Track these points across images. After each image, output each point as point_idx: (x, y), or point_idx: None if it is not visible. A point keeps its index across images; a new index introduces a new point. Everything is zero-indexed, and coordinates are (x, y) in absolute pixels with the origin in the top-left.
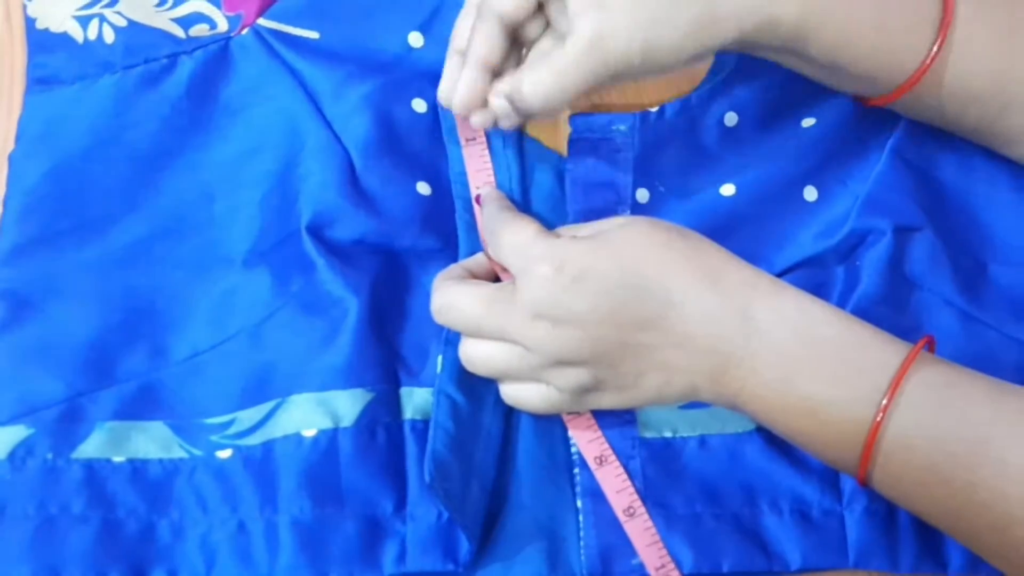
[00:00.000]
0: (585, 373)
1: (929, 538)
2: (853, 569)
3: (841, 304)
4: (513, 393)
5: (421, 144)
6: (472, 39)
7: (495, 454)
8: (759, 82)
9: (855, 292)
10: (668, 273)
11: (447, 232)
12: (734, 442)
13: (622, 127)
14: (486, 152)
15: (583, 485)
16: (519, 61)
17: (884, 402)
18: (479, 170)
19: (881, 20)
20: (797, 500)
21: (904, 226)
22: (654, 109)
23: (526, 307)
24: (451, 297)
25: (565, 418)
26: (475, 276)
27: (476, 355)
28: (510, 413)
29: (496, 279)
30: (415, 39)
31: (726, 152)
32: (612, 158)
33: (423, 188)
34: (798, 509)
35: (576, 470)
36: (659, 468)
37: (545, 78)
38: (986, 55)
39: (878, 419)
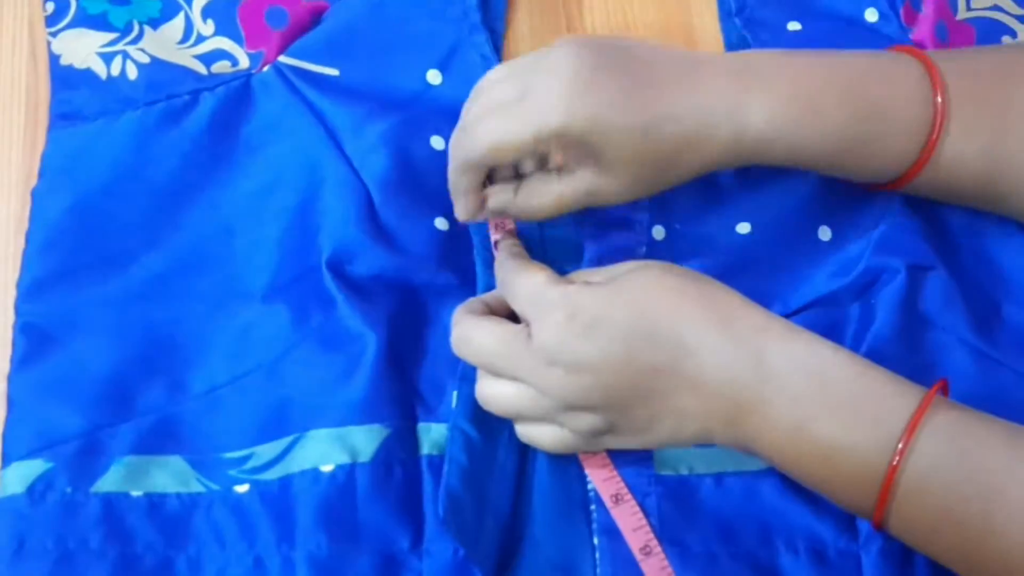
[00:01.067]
0: (598, 418)
1: None
2: None
3: (856, 342)
4: (527, 432)
5: (439, 180)
6: (461, 174)
7: (510, 490)
8: None
9: (869, 330)
10: (681, 319)
11: (465, 268)
12: (751, 480)
13: None
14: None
15: (599, 523)
16: None
17: (900, 447)
18: (498, 224)
19: (867, 149)
20: (813, 540)
21: (918, 265)
22: None
23: (540, 353)
24: (470, 332)
25: (580, 456)
26: (495, 311)
27: (491, 394)
28: (526, 449)
29: (515, 315)
30: (433, 76)
31: (741, 191)
32: None
33: (441, 224)
34: (814, 549)
35: (592, 507)
36: (675, 506)
37: (533, 207)
38: (966, 171)
39: (894, 464)
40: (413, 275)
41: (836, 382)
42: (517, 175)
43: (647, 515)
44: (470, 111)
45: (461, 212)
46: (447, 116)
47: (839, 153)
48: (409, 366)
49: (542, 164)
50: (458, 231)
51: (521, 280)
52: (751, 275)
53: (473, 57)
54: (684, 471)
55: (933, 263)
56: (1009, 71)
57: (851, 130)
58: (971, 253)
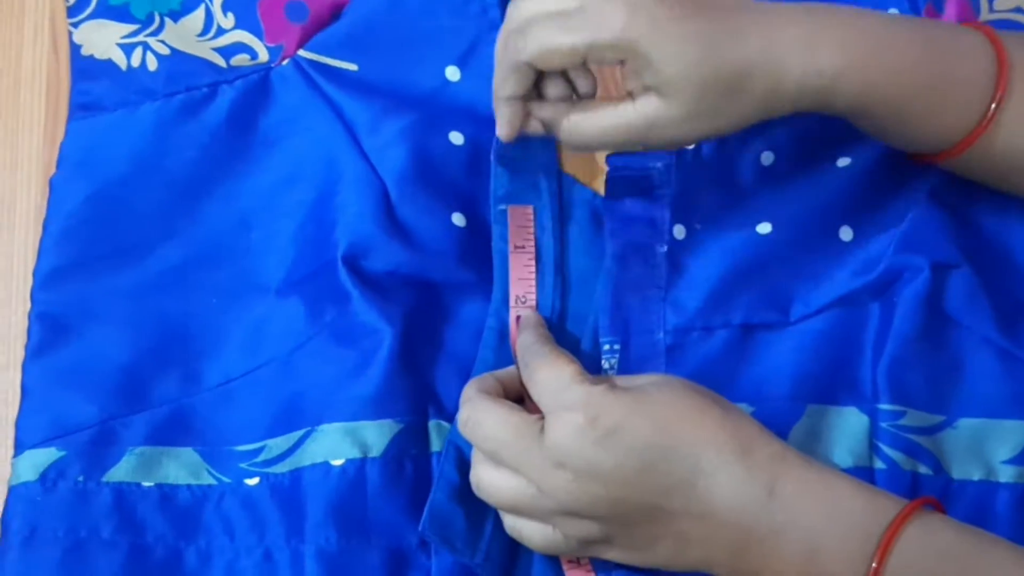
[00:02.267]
0: (596, 527)
1: None
2: None
3: (877, 342)
4: (515, 525)
5: (457, 176)
6: (505, 79)
7: None
8: (796, 121)
9: (892, 329)
10: (702, 440)
11: (482, 264)
12: None
13: (659, 165)
14: (532, 263)
15: None
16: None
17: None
18: (522, 279)
19: (934, 98)
20: None
21: (941, 263)
22: (691, 147)
23: (550, 452)
24: (479, 415)
25: (563, 562)
26: (507, 389)
27: (488, 482)
28: None
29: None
30: (452, 73)
31: (762, 191)
32: (649, 195)
33: (458, 220)
34: None
35: None
36: None
37: (586, 128)
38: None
39: None
40: (430, 271)
41: (849, 513)
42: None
43: None
44: (521, 8)
45: (503, 125)
46: (465, 112)
47: (906, 100)
48: (423, 363)
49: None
50: (475, 227)
51: (546, 371)
52: (771, 275)
53: (492, 54)
54: None
55: (958, 261)
56: None
57: (920, 75)
58: (997, 251)
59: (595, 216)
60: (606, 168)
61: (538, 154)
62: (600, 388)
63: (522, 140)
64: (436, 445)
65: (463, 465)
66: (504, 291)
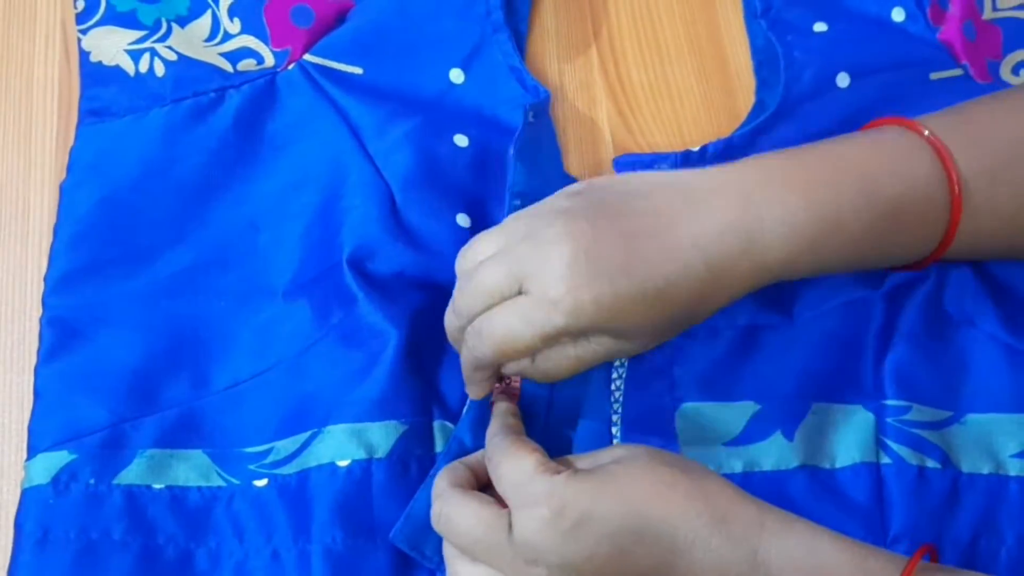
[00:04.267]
0: None
1: None
2: None
3: (883, 340)
4: None
5: (462, 178)
6: (473, 371)
7: None
8: (800, 123)
9: (896, 327)
10: (673, 516)
11: None
12: (778, 479)
13: (664, 166)
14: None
15: None
16: None
17: None
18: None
19: (890, 244)
20: None
21: (945, 263)
22: (696, 149)
23: (521, 549)
24: (450, 510)
25: None
26: (479, 477)
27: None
28: None
29: None
30: (456, 76)
31: None
32: None
33: (463, 220)
34: None
35: None
36: None
37: (555, 371)
38: (992, 242)
39: None
40: (435, 273)
41: (832, 573)
42: None
43: None
44: (468, 307)
45: (474, 393)
46: (470, 115)
47: (861, 256)
48: (428, 363)
49: None
50: (480, 228)
51: (508, 464)
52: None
53: (496, 56)
54: (711, 469)
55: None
56: (1012, 127)
57: (872, 234)
58: None
59: None
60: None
61: (550, 155)
62: (562, 477)
63: (536, 138)
64: (440, 445)
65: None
66: None
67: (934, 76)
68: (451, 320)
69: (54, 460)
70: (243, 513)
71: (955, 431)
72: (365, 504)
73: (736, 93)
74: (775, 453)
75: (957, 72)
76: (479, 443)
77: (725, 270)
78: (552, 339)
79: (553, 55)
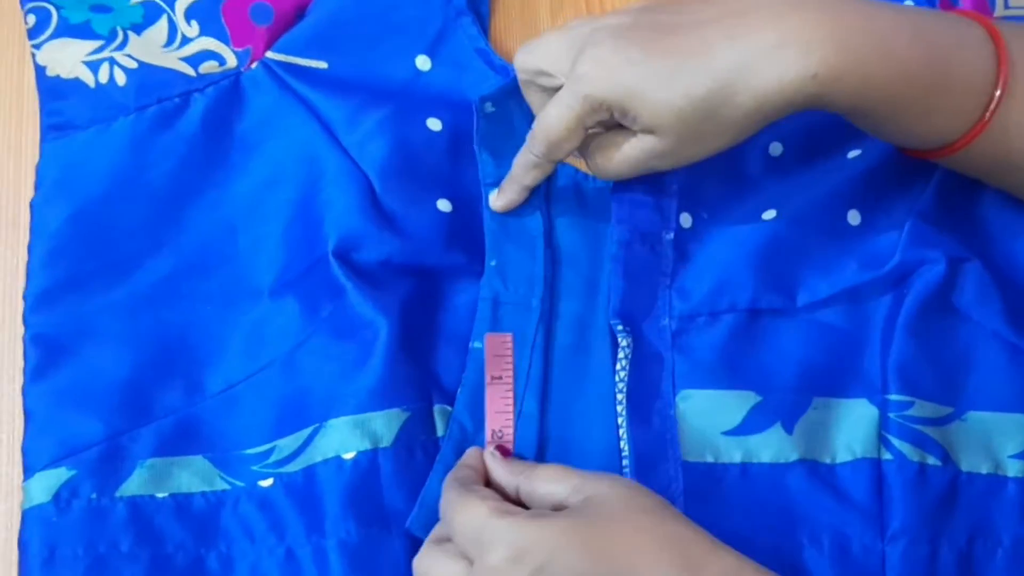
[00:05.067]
0: None
1: None
2: None
3: (887, 335)
4: None
5: (439, 162)
6: (527, 168)
7: None
8: (805, 112)
9: (899, 322)
10: (643, 563)
11: (472, 247)
12: (777, 472)
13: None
14: (510, 395)
15: None
16: None
17: None
18: (499, 412)
19: (933, 97)
20: (838, 534)
21: (955, 257)
22: None
23: None
24: (428, 567)
25: None
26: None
27: None
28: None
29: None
30: (423, 62)
31: (770, 181)
32: (657, 181)
33: (444, 205)
34: (839, 543)
35: (624, 462)
36: (700, 493)
37: (604, 167)
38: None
39: None
40: (421, 258)
41: None
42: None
43: (672, 502)
44: (523, 75)
45: (502, 202)
46: (440, 99)
47: (904, 101)
48: (423, 348)
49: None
50: (462, 211)
51: (460, 515)
52: (778, 259)
53: (461, 40)
54: (709, 458)
55: (969, 254)
56: None
57: (921, 74)
58: (1003, 246)
59: (578, 190)
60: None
61: (519, 136)
62: (523, 518)
63: (504, 123)
64: (441, 430)
65: (464, 446)
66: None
67: None
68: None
69: (53, 478)
70: (251, 514)
71: (956, 428)
72: (375, 494)
73: None
74: (774, 445)
75: None
76: (478, 423)
77: (756, 67)
78: (581, 117)
79: (518, 35)
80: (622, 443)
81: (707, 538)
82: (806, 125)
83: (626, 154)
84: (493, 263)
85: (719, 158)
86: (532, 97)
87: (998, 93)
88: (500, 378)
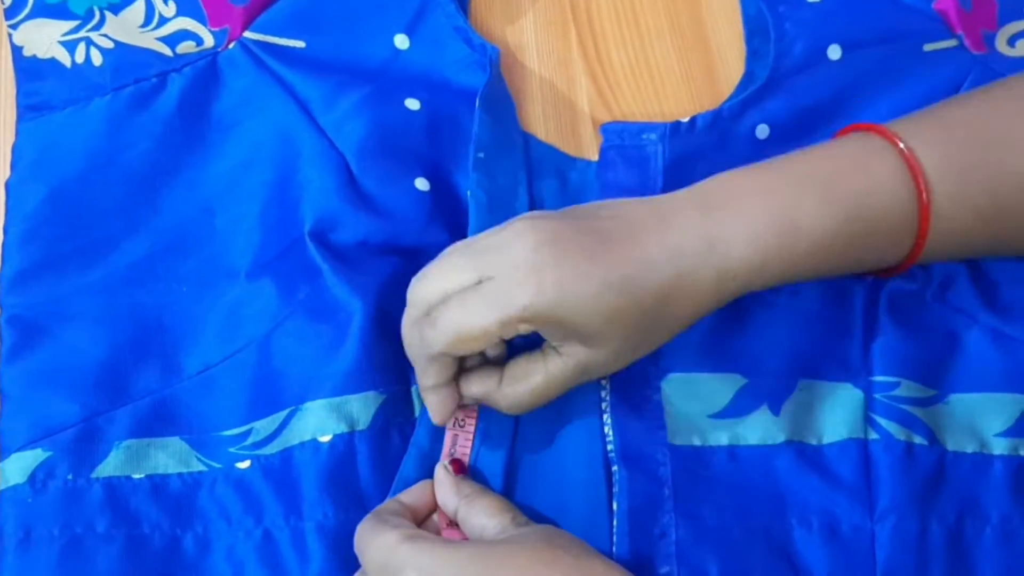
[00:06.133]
0: None
1: (959, 560)
2: None
3: (870, 319)
4: None
5: (417, 141)
6: (426, 370)
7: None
8: (791, 95)
9: (880, 309)
10: None
11: (452, 225)
12: (764, 454)
13: (652, 136)
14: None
15: (620, 486)
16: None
17: None
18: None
19: (860, 250)
20: (827, 515)
21: (926, 265)
22: (685, 120)
23: None
24: None
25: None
26: (416, 513)
27: None
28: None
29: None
30: (401, 41)
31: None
32: (642, 166)
33: (422, 184)
34: (827, 524)
35: (615, 468)
36: (688, 476)
37: (522, 396)
38: (967, 241)
39: None
40: (399, 238)
41: None
42: (487, 361)
43: (661, 485)
44: (420, 292)
45: (435, 414)
46: (419, 79)
47: (833, 261)
48: (400, 330)
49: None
50: (439, 190)
51: (370, 545)
52: None
53: (439, 19)
54: (697, 441)
55: None
56: (982, 124)
57: (839, 237)
58: None
59: (560, 173)
60: (600, 138)
61: (507, 109)
62: (428, 544)
63: (501, 95)
64: (419, 411)
65: (437, 429)
66: None
67: (928, 47)
68: (408, 327)
69: (28, 459)
70: (228, 496)
71: (939, 410)
72: (352, 477)
73: (718, 72)
74: (761, 428)
75: (952, 43)
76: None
77: (689, 272)
78: (509, 327)
79: (498, 13)
80: (606, 428)
81: (618, 571)
82: (793, 107)
83: (548, 374)
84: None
85: (707, 141)
86: (417, 334)
87: (922, 217)
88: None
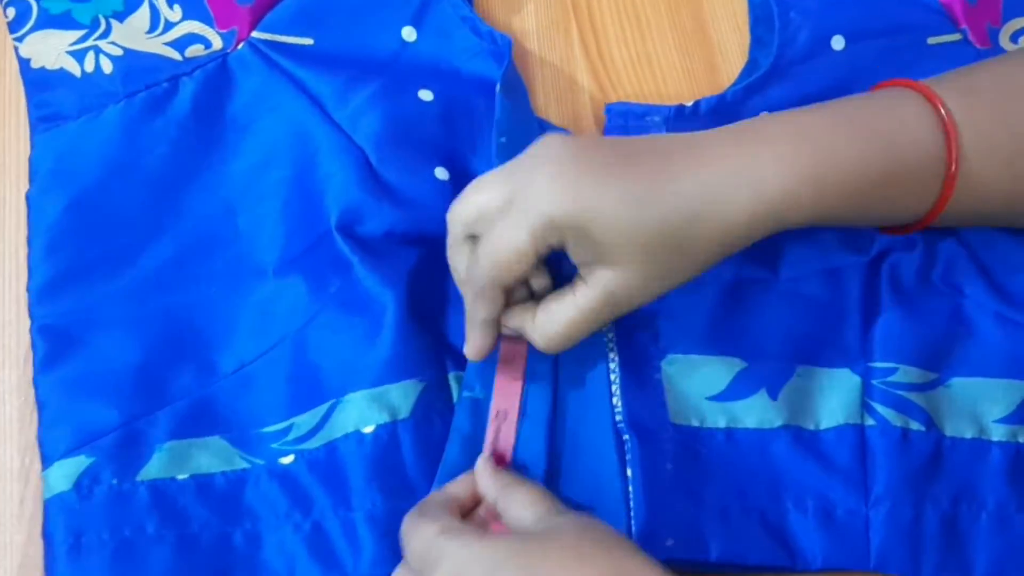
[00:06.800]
0: None
1: (954, 545)
2: (874, 571)
3: (869, 304)
4: None
5: (433, 132)
6: (474, 304)
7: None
8: (794, 82)
9: (883, 293)
10: None
11: None
12: (761, 438)
13: (656, 119)
14: (520, 372)
15: (632, 453)
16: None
17: None
18: (505, 394)
19: (888, 192)
20: (822, 499)
21: (933, 235)
22: (689, 104)
23: None
24: None
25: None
26: (464, 503)
27: None
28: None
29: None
30: (408, 33)
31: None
32: None
33: (441, 174)
34: (823, 508)
35: (626, 437)
36: (689, 454)
37: (554, 328)
38: (992, 192)
39: None
40: (424, 226)
41: None
42: (532, 296)
43: (665, 460)
44: (459, 217)
45: (474, 348)
46: (429, 69)
47: (861, 204)
48: (434, 317)
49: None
50: (459, 179)
51: (412, 537)
52: None
53: (445, 9)
54: (695, 422)
55: (943, 235)
56: (1008, 78)
57: (871, 176)
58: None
59: None
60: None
61: (523, 96)
62: (467, 537)
63: (516, 82)
64: (458, 397)
65: (476, 413)
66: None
67: (932, 40)
68: (450, 252)
69: (72, 466)
70: (273, 491)
71: (940, 394)
72: (398, 466)
73: (718, 66)
74: (758, 411)
75: (955, 37)
76: (489, 388)
77: (719, 197)
78: (540, 240)
79: (500, 7)
80: (615, 399)
81: (657, 571)
82: (795, 95)
83: (575, 309)
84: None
85: (710, 125)
86: (461, 259)
87: (952, 165)
88: (511, 361)
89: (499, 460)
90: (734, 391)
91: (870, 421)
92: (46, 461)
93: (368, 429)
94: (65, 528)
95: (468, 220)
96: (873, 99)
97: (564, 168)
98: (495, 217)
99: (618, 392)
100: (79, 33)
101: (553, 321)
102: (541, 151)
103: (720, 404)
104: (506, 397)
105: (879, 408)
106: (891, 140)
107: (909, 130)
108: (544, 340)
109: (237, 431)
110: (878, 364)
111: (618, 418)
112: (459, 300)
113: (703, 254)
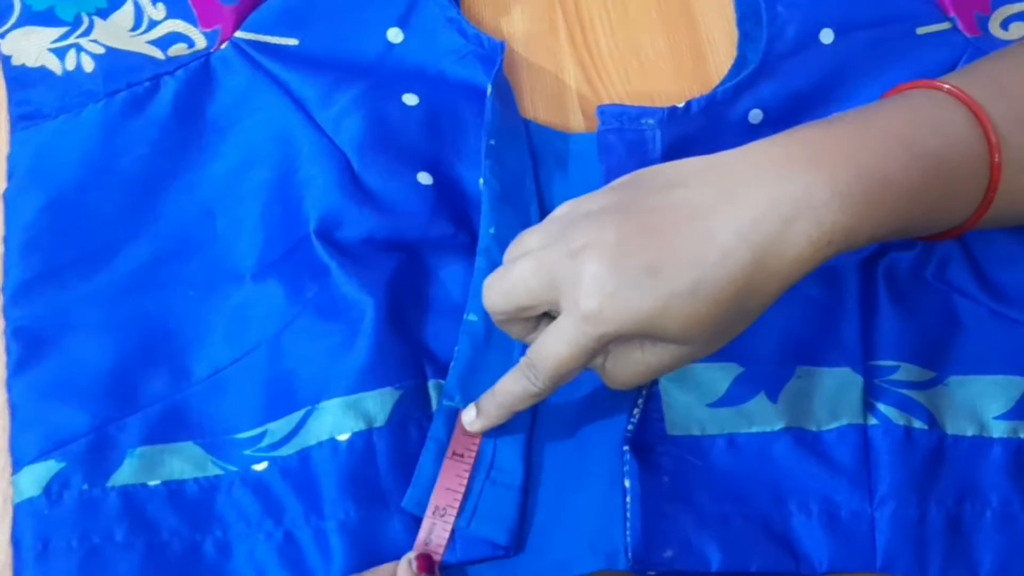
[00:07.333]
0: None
1: (959, 544)
2: (880, 572)
3: (867, 303)
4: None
5: (416, 136)
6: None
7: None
8: (785, 79)
9: (881, 292)
10: None
11: (457, 217)
12: (763, 441)
13: (650, 121)
14: (466, 475)
15: (629, 465)
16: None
17: None
18: (449, 488)
19: (939, 208)
20: (826, 501)
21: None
22: (680, 105)
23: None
24: None
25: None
26: None
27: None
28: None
29: None
30: (394, 35)
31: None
32: (641, 149)
33: (424, 178)
34: (827, 510)
35: (625, 447)
36: (687, 466)
37: (628, 379)
38: None
39: None
40: (405, 233)
41: None
42: None
43: (662, 473)
44: (495, 284)
45: (484, 422)
46: (414, 73)
47: (913, 215)
48: (413, 324)
49: None
50: (442, 184)
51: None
52: None
53: (431, 10)
54: (696, 432)
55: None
56: None
57: (921, 189)
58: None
59: (557, 154)
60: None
61: (510, 99)
62: None
63: (504, 83)
64: (436, 405)
65: (455, 423)
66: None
67: (921, 31)
68: (498, 323)
69: (42, 471)
70: (246, 499)
71: (939, 392)
72: (372, 474)
73: (706, 58)
74: (759, 415)
75: (945, 26)
76: (469, 399)
77: (770, 247)
78: (596, 351)
79: (489, 2)
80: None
81: None
82: (787, 93)
83: (647, 364)
84: (492, 231)
85: (702, 125)
86: (515, 329)
87: (995, 175)
88: (461, 456)
89: (426, 563)
90: (733, 396)
91: (872, 421)
92: (16, 465)
93: (343, 437)
94: (33, 534)
95: (509, 311)
96: (912, 107)
97: (608, 280)
98: (533, 317)
99: (641, 404)
100: (61, 30)
101: (621, 371)
102: (580, 255)
103: (720, 410)
104: (448, 493)
105: (882, 407)
106: (942, 158)
107: (956, 143)
108: (614, 386)
109: (210, 437)
110: (879, 363)
111: (629, 427)
112: (440, 306)
113: (765, 302)
